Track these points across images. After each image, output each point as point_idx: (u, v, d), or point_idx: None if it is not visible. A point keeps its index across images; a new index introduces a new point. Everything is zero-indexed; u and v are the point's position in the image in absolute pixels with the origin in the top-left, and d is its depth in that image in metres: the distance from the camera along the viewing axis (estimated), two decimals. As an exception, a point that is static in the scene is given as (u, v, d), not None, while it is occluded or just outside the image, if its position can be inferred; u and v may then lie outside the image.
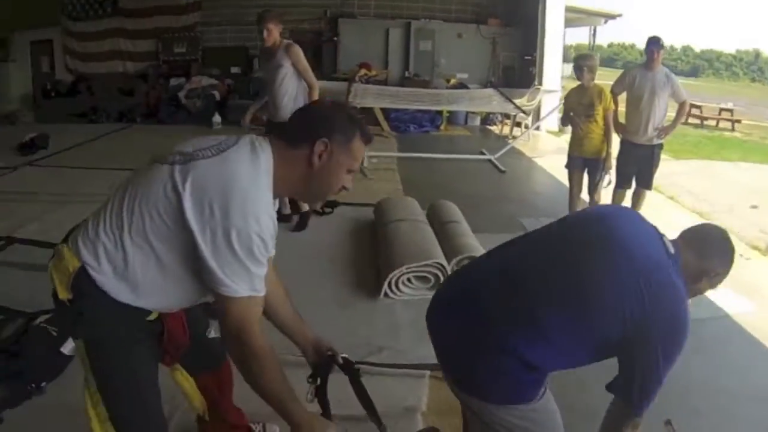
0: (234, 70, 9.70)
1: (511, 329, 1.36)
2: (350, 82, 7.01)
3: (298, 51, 3.99)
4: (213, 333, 1.83)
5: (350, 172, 1.46)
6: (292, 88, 4.04)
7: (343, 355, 1.63)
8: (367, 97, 6.68)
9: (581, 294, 1.35)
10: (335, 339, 1.71)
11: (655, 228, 1.50)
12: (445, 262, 3.23)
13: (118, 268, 1.40)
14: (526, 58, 9.68)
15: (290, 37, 9.76)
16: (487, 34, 10.17)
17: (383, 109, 7.97)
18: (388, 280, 3.13)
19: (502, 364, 1.36)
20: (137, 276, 1.40)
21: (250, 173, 1.33)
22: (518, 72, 10.07)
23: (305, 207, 4.17)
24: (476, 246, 3.45)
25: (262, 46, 4.14)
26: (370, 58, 9.76)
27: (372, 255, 3.70)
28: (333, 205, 4.62)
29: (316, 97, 4.00)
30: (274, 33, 3.94)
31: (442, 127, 8.72)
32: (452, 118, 9.04)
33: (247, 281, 1.32)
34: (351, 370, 1.61)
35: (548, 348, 1.36)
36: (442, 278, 3.13)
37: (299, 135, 1.41)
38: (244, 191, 1.29)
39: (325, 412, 1.56)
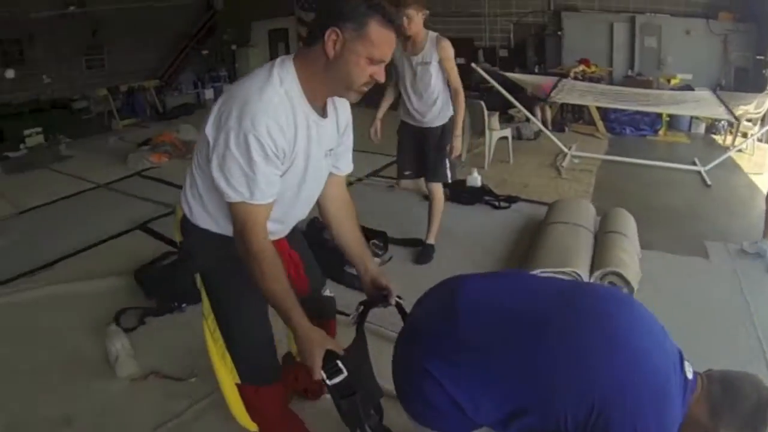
0: (459, 60, 10.52)
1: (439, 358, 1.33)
2: (560, 78, 7.12)
3: (449, 46, 3.62)
4: (328, 292, 2.08)
5: (375, 62, 1.46)
6: (442, 90, 3.71)
7: (399, 297, 1.76)
8: (572, 93, 6.68)
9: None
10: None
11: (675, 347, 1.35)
12: (583, 273, 3.18)
13: (198, 200, 1.64)
14: (758, 57, 8.68)
15: (513, 30, 10.06)
16: (718, 30, 9.22)
17: (601, 109, 7.84)
18: None
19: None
20: (208, 201, 1.61)
21: (257, 84, 1.44)
22: (752, 74, 9.01)
23: (430, 239, 4.15)
24: (627, 262, 3.32)
25: (403, 39, 3.61)
26: (594, 54, 9.62)
27: (525, 254, 3.81)
28: (513, 200, 4.97)
29: (461, 104, 3.73)
30: (416, 21, 3.47)
31: (660, 132, 8.43)
32: (674, 122, 8.62)
33: (245, 187, 1.45)
34: (402, 311, 1.74)
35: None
36: None
37: (315, 31, 1.44)
38: (245, 98, 1.41)
39: (358, 342, 1.68)
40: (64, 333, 3.62)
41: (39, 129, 10.01)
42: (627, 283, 3.24)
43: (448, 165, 3.98)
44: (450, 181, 4.12)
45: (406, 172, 4.13)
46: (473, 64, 6.69)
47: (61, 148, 9.59)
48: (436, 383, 1.30)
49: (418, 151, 3.99)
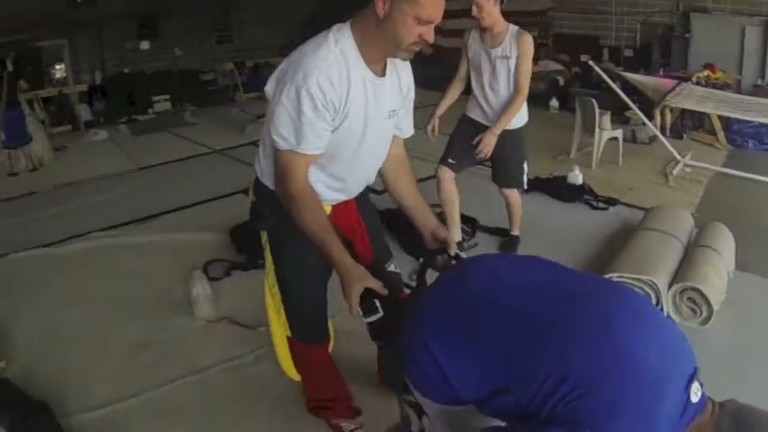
0: (583, 58, 10.05)
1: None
2: (679, 81, 6.81)
3: (530, 43, 3.39)
4: (393, 267, 2.13)
5: (423, 22, 1.55)
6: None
7: (458, 251, 1.80)
8: (689, 98, 6.34)
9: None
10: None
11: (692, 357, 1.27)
12: (661, 283, 3.09)
13: (267, 160, 1.77)
14: None
15: (640, 29, 9.63)
16: None
17: (724, 119, 7.30)
18: None
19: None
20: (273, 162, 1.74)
21: (313, 45, 1.61)
22: None
23: (515, 230, 4.15)
24: (713, 280, 3.20)
25: (480, 30, 3.54)
26: (723, 60, 8.85)
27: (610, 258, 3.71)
28: (612, 202, 4.89)
29: (516, 105, 3.49)
30: (487, 9, 3.28)
31: (788, 147, 7.44)
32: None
33: (293, 136, 1.60)
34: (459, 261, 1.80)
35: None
36: (653, 299, 3.07)
37: None
38: (300, 56, 1.59)
39: (414, 294, 1.79)
40: (158, 274, 4.07)
41: (167, 96, 11.13)
42: (706, 301, 3.09)
43: (525, 170, 3.88)
44: (525, 187, 4.04)
45: (450, 160, 3.86)
46: (590, 62, 6.53)
47: (186, 115, 10.58)
48: (430, 354, 1.33)
49: (471, 149, 3.70)
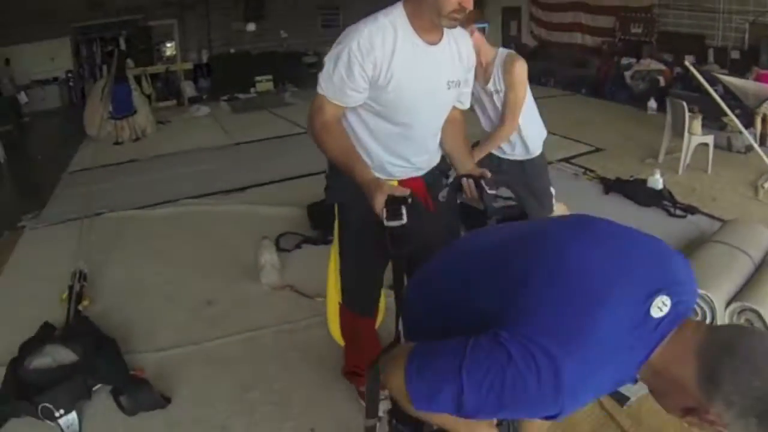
0: (688, 58, 9.63)
1: None
2: None
3: (520, 70, 2.97)
4: None
5: None
6: (525, 122, 3.17)
7: (491, 190, 1.95)
8: None
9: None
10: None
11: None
12: (717, 299, 2.98)
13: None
14: None
15: (749, 30, 8.87)
16: None
17: None
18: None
19: None
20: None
21: (365, 19, 1.90)
22: None
23: None
24: None
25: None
26: None
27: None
28: (691, 210, 4.70)
29: (499, 136, 3.09)
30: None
31: None
32: None
33: (325, 83, 1.87)
34: (481, 191, 1.96)
35: None
36: (708, 315, 2.98)
37: None
38: (352, 27, 1.88)
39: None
40: (234, 241, 4.43)
41: (269, 77, 11.76)
42: (765, 325, 2.92)
43: (553, 195, 3.52)
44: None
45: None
46: (686, 62, 6.18)
47: (286, 96, 11.16)
48: (415, 305, 1.44)
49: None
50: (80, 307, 3.48)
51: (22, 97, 11.67)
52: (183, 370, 2.87)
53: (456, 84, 2.04)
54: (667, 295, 1.08)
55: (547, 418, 1.10)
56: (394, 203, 1.61)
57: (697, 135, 5.80)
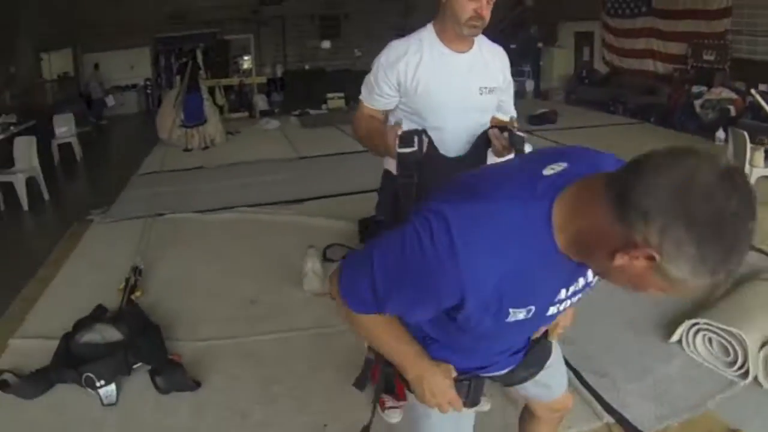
0: (762, 87, 9.14)
1: None
2: None
3: None
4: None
5: None
6: None
7: (520, 132, 2.06)
8: None
9: None
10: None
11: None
12: (751, 341, 2.88)
13: None
14: None
15: None
16: None
17: None
18: (684, 326, 3.12)
19: None
20: None
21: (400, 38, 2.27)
22: None
23: None
24: None
25: None
26: None
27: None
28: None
29: None
30: None
31: None
32: None
33: (364, 88, 2.29)
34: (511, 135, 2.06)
35: None
36: (740, 356, 2.87)
37: None
38: (388, 44, 2.24)
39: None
40: (282, 248, 4.74)
41: (341, 94, 12.25)
42: None
43: None
44: None
45: None
46: (752, 91, 6.05)
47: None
48: None
49: None
50: (133, 297, 3.85)
51: (110, 100, 12.82)
52: (216, 361, 3.14)
53: (489, 90, 2.24)
54: (564, 162, 1.10)
55: (455, 311, 1.14)
56: (411, 131, 1.94)
57: (759, 167, 5.74)
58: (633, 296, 3.59)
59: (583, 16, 13.09)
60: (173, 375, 2.90)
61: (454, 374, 1.40)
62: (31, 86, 11.04)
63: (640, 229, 0.88)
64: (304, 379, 2.97)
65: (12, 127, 8.14)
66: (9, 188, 6.53)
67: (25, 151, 6.89)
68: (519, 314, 1.17)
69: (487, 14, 2.06)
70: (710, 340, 3.03)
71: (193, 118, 9.31)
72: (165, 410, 2.76)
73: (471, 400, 1.47)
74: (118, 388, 2.85)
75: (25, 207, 6.50)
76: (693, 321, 3.10)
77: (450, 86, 2.16)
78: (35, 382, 2.89)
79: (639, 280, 0.97)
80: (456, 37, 2.14)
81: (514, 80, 9.15)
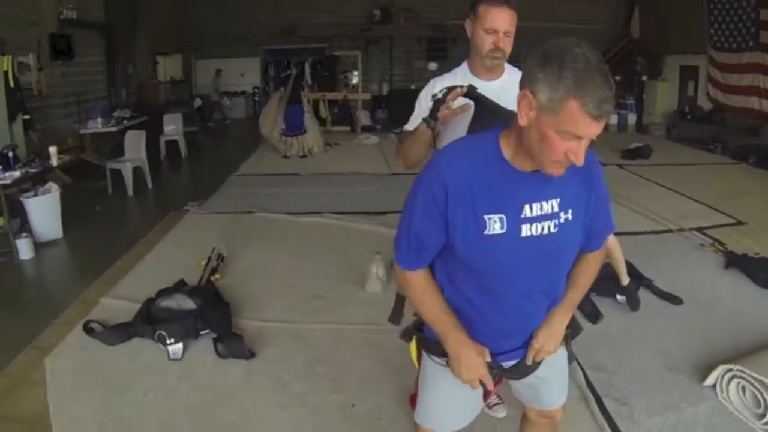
0: None
1: None
2: None
3: None
4: None
5: (490, 32, 2.28)
6: None
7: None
8: None
9: None
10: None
11: None
12: None
13: None
14: None
15: None
16: None
17: None
18: (719, 370, 3.15)
19: None
20: None
21: None
22: None
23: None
24: None
25: None
26: None
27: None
28: None
29: None
30: None
31: None
32: None
33: (407, 126, 2.56)
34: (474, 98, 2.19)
35: None
36: None
37: None
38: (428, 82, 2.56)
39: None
40: (354, 253, 5.27)
41: (443, 115, 12.83)
42: None
43: None
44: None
45: None
46: None
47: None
48: None
49: None
50: (212, 278, 4.49)
51: (225, 102, 14.20)
52: (273, 339, 3.68)
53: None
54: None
55: (450, 229, 1.57)
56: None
57: None
58: (677, 331, 3.86)
59: (689, 49, 13.00)
60: (233, 344, 3.46)
61: (488, 358, 1.73)
62: (146, 86, 12.52)
63: (541, 81, 1.37)
64: (345, 364, 3.42)
65: (125, 122, 9.37)
66: (118, 175, 7.62)
67: (135, 143, 8.01)
68: (495, 225, 1.56)
69: (505, 46, 2.34)
70: (743, 388, 3.05)
71: (293, 128, 10.25)
72: (220, 371, 3.32)
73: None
74: (185, 348, 3.46)
75: (130, 192, 7.58)
76: (728, 366, 3.13)
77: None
78: (117, 332, 3.58)
79: (541, 131, 1.42)
80: (483, 69, 2.44)
81: (617, 112, 9.66)
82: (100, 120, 9.04)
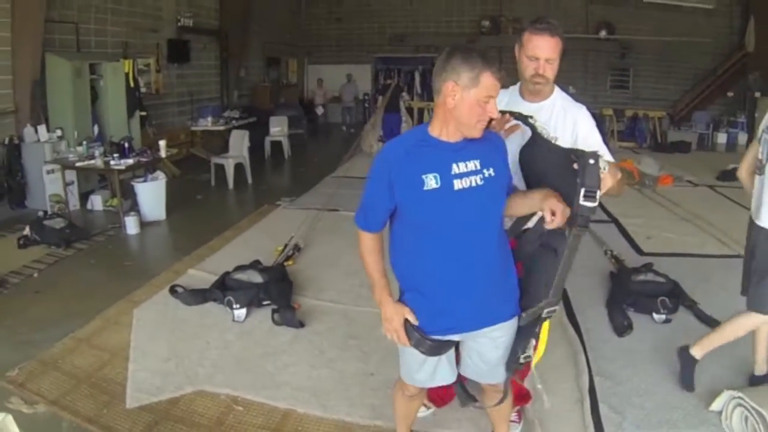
0: None
1: None
2: None
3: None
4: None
5: (532, 59, 2.50)
6: None
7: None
8: None
9: None
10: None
11: None
12: None
13: None
14: None
15: None
16: None
17: None
18: (725, 396, 3.19)
19: None
20: None
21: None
22: None
23: (695, 349, 3.63)
24: None
25: None
26: None
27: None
28: None
29: None
30: None
31: None
32: None
33: None
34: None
35: None
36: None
37: None
38: None
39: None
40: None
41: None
42: None
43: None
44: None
45: None
46: None
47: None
48: None
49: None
50: (285, 264, 5.22)
51: (319, 110, 15.27)
52: (323, 315, 4.35)
53: (554, 138, 2.48)
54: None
55: (395, 189, 2.08)
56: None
57: None
58: (704, 356, 3.66)
59: None
60: (287, 314, 4.15)
61: (411, 317, 2.22)
62: (258, 89, 13.71)
63: (449, 74, 2.04)
64: (376, 342, 3.95)
65: (234, 121, 10.49)
66: (222, 169, 8.70)
67: (238, 142, 9.10)
68: (431, 181, 2.06)
69: (547, 72, 2.50)
70: (746, 418, 3.08)
71: (390, 134, 10.98)
72: (272, 335, 4.03)
73: (419, 346, 2.25)
74: (248, 314, 4.21)
75: (231, 186, 8.62)
76: (732, 393, 3.17)
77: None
78: (195, 295, 4.42)
79: (468, 104, 2.03)
80: (527, 91, 2.66)
81: (728, 132, 9.79)
82: (210, 119, 10.24)
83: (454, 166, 2.10)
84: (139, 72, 9.45)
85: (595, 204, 1.97)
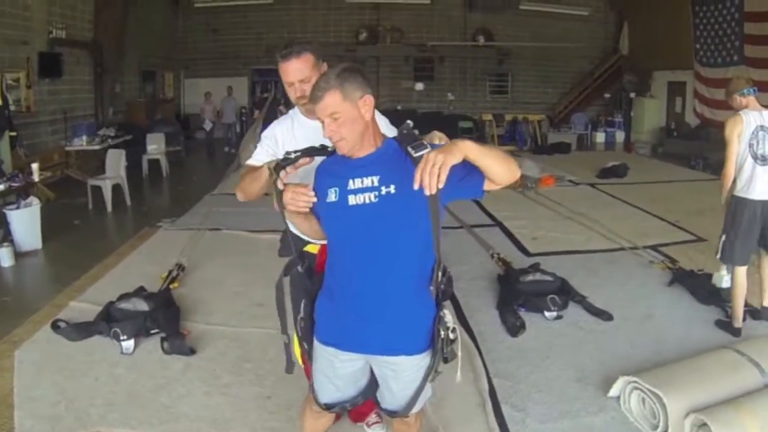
0: None
1: None
2: None
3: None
4: None
5: (289, 85, 2.59)
6: None
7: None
8: None
9: None
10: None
11: None
12: (672, 403, 3.12)
13: None
14: None
15: None
16: None
17: None
18: (621, 381, 3.45)
19: None
20: None
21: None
22: None
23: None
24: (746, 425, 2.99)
25: None
26: None
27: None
28: (755, 315, 4.66)
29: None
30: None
31: None
32: None
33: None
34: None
35: None
36: (663, 425, 3.14)
37: None
38: None
39: None
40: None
41: (422, 137, 13.70)
42: None
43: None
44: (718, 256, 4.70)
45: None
46: None
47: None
48: None
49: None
50: (171, 286, 5.23)
51: (207, 124, 14.99)
52: (213, 339, 4.41)
53: None
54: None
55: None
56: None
57: None
58: (597, 346, 4.26)
59: (676, 65, 13.59)
60: (176, 342, 4.19)
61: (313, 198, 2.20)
62: (133, 105, 13.35)
63: (364, 94, 2.10)
64: (270, 363, 4.05)
65: (110, 140, 10.19)
66: (99, 191, 8.44)
67: (115, 161, 8.87)
68: (332, 195, 2.13)
69: (308, 90, 2.35)
70: (644, 400, 3.30)
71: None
72: (164, 364, 4.05)
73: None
74: (136, 344, 4.20)
75: (109, 209, 8.41)
76: (628, 378, 3.40)
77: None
78: (79, 329, 4.35)
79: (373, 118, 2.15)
80: (305, 110, 2.68)
81: (606, 131, 10.85)
82: (84, 137, 9.89)
83: (350, 181, 2.12)
84: (8, 88, 8.96)
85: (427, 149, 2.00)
